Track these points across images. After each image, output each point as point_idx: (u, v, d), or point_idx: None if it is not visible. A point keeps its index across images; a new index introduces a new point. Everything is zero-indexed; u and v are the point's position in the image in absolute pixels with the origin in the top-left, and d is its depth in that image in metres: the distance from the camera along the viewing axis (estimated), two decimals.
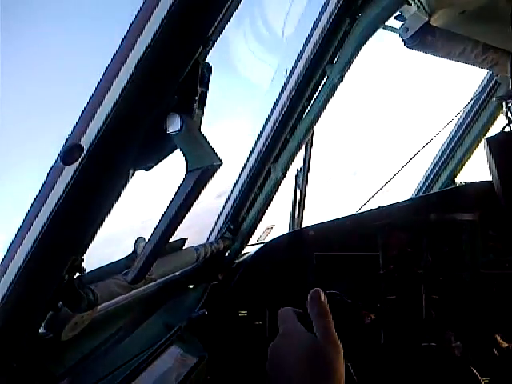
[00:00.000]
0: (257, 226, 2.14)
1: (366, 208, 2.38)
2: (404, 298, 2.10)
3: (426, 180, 3.18)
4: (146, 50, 0.81)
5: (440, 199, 2.25)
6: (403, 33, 1.69)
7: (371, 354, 1.98)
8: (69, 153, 0.80)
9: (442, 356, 2.02)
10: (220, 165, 0.92)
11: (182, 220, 0.98)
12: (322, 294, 0.90)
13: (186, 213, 0.97)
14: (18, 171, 1.04)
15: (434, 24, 1.72)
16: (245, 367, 1.94)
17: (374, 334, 2.02)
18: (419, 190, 3.20)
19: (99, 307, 1.27)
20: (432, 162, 3.20)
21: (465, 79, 2.98)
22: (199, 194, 0.94)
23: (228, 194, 2.02)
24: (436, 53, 1.87)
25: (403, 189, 3.22)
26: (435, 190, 3.15)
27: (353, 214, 2.30)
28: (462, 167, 3.19)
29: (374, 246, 2.15)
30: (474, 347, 2.02)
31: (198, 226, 2.13)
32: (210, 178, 0.92)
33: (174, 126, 0.91)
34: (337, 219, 2.23)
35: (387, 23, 1.81)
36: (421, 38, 1.70)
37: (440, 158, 3.15)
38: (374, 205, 2.27)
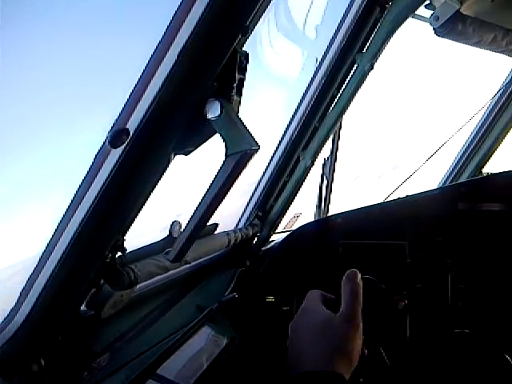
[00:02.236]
0: (285, 213, 2.17)
1: (393, 197, 2.38)
2: (430, 287, 2.11)
3: (453, 170, 3.15)
4: (188, 38, 0.85)
5: (469, 189, 2.24)
6: (434, 21, 1.69)
7: (404, 339, 2.00)
8: (116, 136, 0.85)
9: (475, 342, 2.02)
10: (258, 149, 0.95)
11: (220, 203, 1.03)
12: (358, 275, 0.93)
13: (225, 196, 1.01)
14: (66, 154, 1.10)
15: (465, 12, 1.72)
16: (271, 351, 1.99)
17: (414, 318, 2.03)
18: (446, 180, 3.18)
19: (136, 287, 1.33)
20: (459, 151, 3.17)
21: (494, 68, 2.95)
22: (237, 177, 0.98)
23: (257, 181, 2.06)
24: (466, 41, 1.86)
25: (429, 178, 3.21)
26: (462, 179, 3.13)
27: (380, 202, 2.30)
28: (489, 157, 3.16)
29: (400, 234, 2.16)
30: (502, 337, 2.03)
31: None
32: (248, 161, 0.96)
33: (213, 111, 0.95)
34: (364, 207, 2.24)
35: (417, 12, 1.81)
36: (451, 27, 1.69)
37: (468, 147, 3.12)
38: (401, 193, 2.26)
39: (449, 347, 2.02)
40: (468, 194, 2.21)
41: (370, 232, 2.18)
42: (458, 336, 2.04)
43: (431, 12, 1.78)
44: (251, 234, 2.04)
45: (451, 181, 3.15)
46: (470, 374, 1.98)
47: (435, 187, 2.58)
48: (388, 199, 2.49)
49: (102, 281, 1.16)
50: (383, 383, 1.74)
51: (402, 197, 2.23)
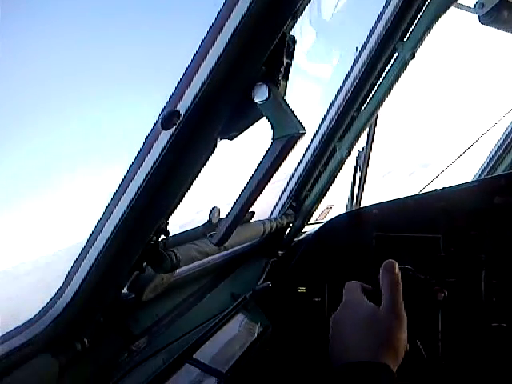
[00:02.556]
0: (319, 204, 2.17)
1: (429, 189, 2.34)
2: (464, 282, 2.08)
3: (489, 163, 3.09)
4: (239, 22, 0.85)
5: (506, 182, 2.19)
6: (479, 9, 1.65)
7: (442, 331, 1.98)
8: (168, 118, 0.85)
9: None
10: (304, 133, 0.95)
11: (264, 187, 1.03)
12: (396, 265, 0.92)
13: (270, 179, 1.01)
14: (118, 137, 1.12)
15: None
16: (303, 341, 1.99)
17: (447, 312, 2.01)
18: (481, 173, 3.12)
19: (176, 272, 1.35)
20: (495, 144, 3.10)
21: None
22: (283, 161, 0.98)
23: (292, 170, 2.05)
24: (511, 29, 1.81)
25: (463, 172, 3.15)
26: (499, 172, 3.06)
27: (415, 194, 2.27)
28: None
29: (435, 227, 2.13)
30: None
31: None
32: (294, 145, 0.96)
33: (261, 95, 0.95)
34: (399, 199, 2.22)
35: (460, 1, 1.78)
36: (497, 15, 1.65)
37: (504, 140, 3.05)
38: (437, 186, 2.23)
39: (486, 341, 1.99)
40: (504, 188, 2.16)
41: (403, 224, 2.15)
42: (496, 330, 2.00)
43: (475, 0, 1.75)
44: (285, 223, 2.04)
45: (487, 174, 3.08)
46: (508, 368, 1.95)
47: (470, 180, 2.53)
48: (423, 191, 2.46)
49: (145, 264, 1.17)
50: (420, 376, 1.73)
51: (438, 189, 2.20)
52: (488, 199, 2.14)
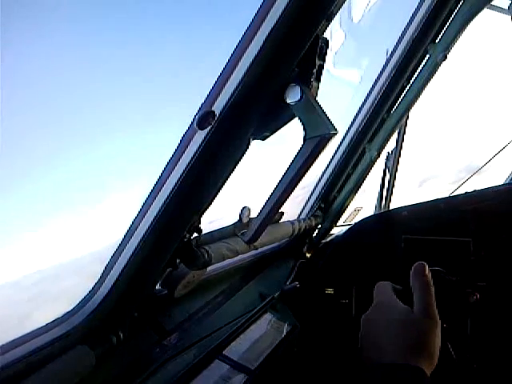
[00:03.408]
0: (347, 205, 2.17)
1: (460, 191, 2.31)
2: (494, 286, 2.05)
3: None
4: (274, 25, 0.87)
5: None
6: None
7: (472, 335, 1.96)
8: (204, 117, 0.88)
9: None
10: (336, 133, 0.96)
11: (296, 186, 1.05)
12: (426, 267, 0.91)
13: (301, 179, 1.03)
14: (156, 136, 1.15)
15: None
16: (330, 342, 1.99)
17: (478, 316, 1.98)
18: None
19: (207, 270, 1.37)
20: None
21: None
22: (315, 160, 0.99)
23: (322, 172, 2.06)
24: None
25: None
26: None
27: (446, 196, 2.25)
28: None
29: (465, 230, 2.10)
30: None
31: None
32: (325, 145, 0.97)
33: (293, 96, 0.97)
34: (428, 201, 2.20)
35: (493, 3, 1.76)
36: None
37: None
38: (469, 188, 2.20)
39: None
40: None
41: (433, 227, 2.13)
42: None
43: (509, 2, 1.73)
44: (313, 224, 2.05)
45: None
46: None
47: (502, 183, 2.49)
48: (454, 194, 2.43)
49: (178, 260, 1.20)
50: (452, 380, 1.71)
51: (469, 191, 2.17)
52: None
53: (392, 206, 2.58)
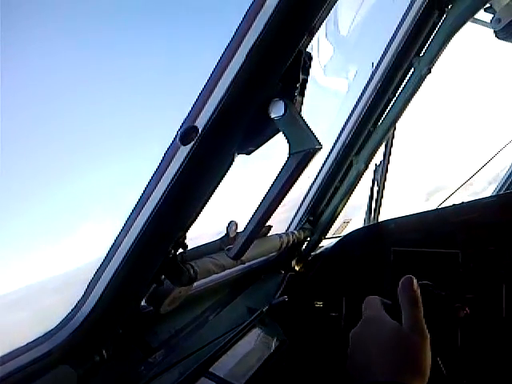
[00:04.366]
0: (336, 218, 2.16)
1: (448, 203, 2.32)
2: (483, 298, 2.05)
3: (509, 177, 3.06)
4: (256, 40, 0.87)
5: None
6: (495, 24, 1.66)
7: (462, 349, 1.95)
8: (186, 133, 0.88)
9: None
10: (320, 148, 0.96)
11: (281, 201, 1.04)
12: (414, 282, 0.90)
13: (286, 194, 1.02)
14: (136, 152, 1.14)
15: None
16: (319, 356, 1.98)
17: (467, 329, 1.98)
18: (501, 188, 3.09)
19: (193, 285, 1.36)
20: None
21: None
22: (300, 175, 0.99)
23: (309, 185, 2.06)
24: None
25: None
26: None
27: (434, 209, 2.26)
28: None
29: (454, 242, 2.11)
30: None
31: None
32: (310, 160, 0.97)
33: (277, 110, 0.96)
34: (417, 214, 2.21)
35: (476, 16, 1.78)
36: None
37: None
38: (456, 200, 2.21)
39: (508, 358, 1.95)
40: None
41: (421, 239, 2.14)
42: None
43: (491, 16, 1.75)
44: (302, 237, 2.05)
45: (506, 189, 3.05)
46: None
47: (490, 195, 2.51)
48: (442, 206, 2.44)
49: (163, 277, 1.19)
50: None
51: (457, 203, 2.18)
52: (508, 214, 2.11)
53: (382, 216, 2.58)
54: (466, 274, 2.07)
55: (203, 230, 1.26)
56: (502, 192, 3.05)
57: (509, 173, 3.09)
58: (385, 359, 0.83)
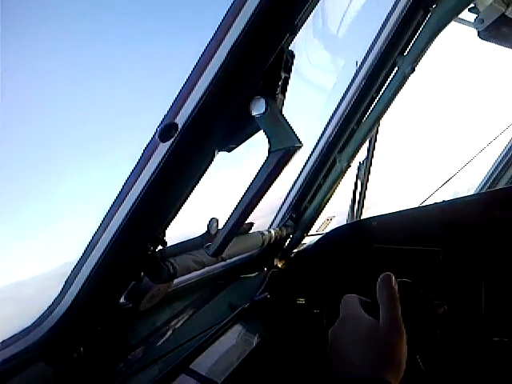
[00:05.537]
0: (319, 215, 2.17)
1: (430, 201, 2.34)
2: (464, 295, 2.07)
3: (490, 176, 3.10)
4: (238, 36, 0.86)
5: (507, 196, 2.19)
6: (478, 24, 1.67)
7: (436, 346, 1.97)
8: (166, 130, 0.87)
9: None
10: (301, 146, 0.96)
11: (260, 199, 1.04)
12: (393, 278, 0.91)
13: (266, 192, 1.02)
14: (117, 148, 1.13)
15: (511, 16, 1.69)
16: (301, 352, 1.98)
17: (446, 326, 2.00)
18: (483, 187, 3.12)
19: (173, 282, 1.35)
20: (497, 158, 3.11)
21: None
22: (280, 173, 0.99)
23: (293, 181, 2.06)
24: (511, 45, 1.83)
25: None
26: (500, 186, 3.06)
27: (416, 207, 2.27)
28: None
29: (435, 240, 2.13)
30: None
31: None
32: (290, 158, 0.97)
33: (258, 108, 0.96)
34: (399, 212, 2.22)
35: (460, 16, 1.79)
36: (496, 30, 1.67)
37: (506, 154, 3.06)
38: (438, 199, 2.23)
39: (487, 356, 1.98)
40: (505, 201, 2.16)
41: (403, 237, 2.15)
42: (497, 344, 1.99)
43: (474, 16, 1.76)
44: (285, 234, 2.05)
45: (488, 187, 3.09)
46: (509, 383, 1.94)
47: (471, 193, 2.53)
48: (424, 204, 2.46)
49: (142, 274, 1.18)
50: None
51: (438, 202, 2.20)
52: (489, 213, 2.14)
53: (368, 213, 2.59)
54: (446, 272, 2.09)
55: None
56: (483, 191, 3.09)
57: (490, 172, 3.13)
58: (361, 355, 0.83)
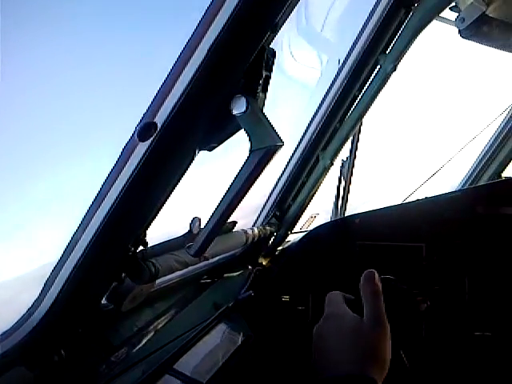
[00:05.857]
0: (302, 213, 2.17)
1: (412, 198, 2.36)
2: (447, 291, 2.09)
3: (472, 173, 3.13)
4: (218, 35, 0.85)
5: (488, 192, 2.22)
6: (459, 23, 1.67)
7: (425, 342, 1.99)
8: (145, 129, 0.86)
9: (497, 345, 2.00)
10: (282, 145, 0.96)
11: (242, 198, 1.03)
12: (376, 275, 0.91)
13: (247, 191, 1.01)
14: (95, 148, 1.11)
15: (491, 15, 1.69)
16: (286, 350, 1.99)
17: (429, 322, 2.02)
18: (465, 183, 3.16)
19: (155, 283, 1.34)
20: (479, 155, 3.14)
21: None
22: (261, 172, 0.98)
23: (276, 180, 2.06)
24: (492, 44, 1.84)
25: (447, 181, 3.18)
26: (482, 182, 3.10)
27: (398, 204, 2.29)
28: (509, 162, 3.12)
29: (418, 236, 2.15)
30: None
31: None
32: (271, 157, 0.96)
33: (239, 107, 0.95)
34: (382, 209, 2.24)
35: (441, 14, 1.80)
36: (477, 29, 1.67)
37: (487, 151, 3.10)
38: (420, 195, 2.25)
39: (470, 350, 2.00)
40: (487, 198, 2.19)
41: (386, 233, 2.17)
42: (479, 339, 2.02)
43: (456, 14, 1.77)
44: (269, 232, 2.05)
45: (470, 184, 3.12)
46: (491, 377, 1.96)
47: (453, 190, 2.56)
48: (406, 201, 2.48)
49: (124, 274, 1.17)
50: None
51: (420, 198, 2.22)
52: (470, 209, 2.16)
53: (351, 210, 2.60)
54: (429, 267, 2.11)
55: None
56: (465, 187, 3.12)
57: (472, 168, 3.16)
58: (346, 353, 0.84)
